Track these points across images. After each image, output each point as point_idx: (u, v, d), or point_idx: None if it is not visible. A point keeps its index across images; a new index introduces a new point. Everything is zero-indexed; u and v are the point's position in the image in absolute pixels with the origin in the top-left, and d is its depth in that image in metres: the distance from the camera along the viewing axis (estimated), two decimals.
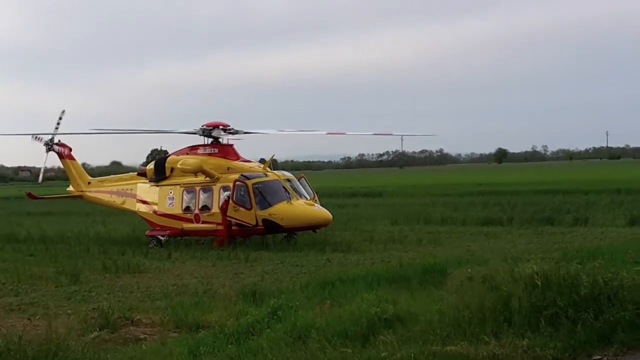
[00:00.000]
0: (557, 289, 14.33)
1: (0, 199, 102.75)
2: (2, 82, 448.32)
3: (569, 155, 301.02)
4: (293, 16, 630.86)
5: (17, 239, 42.68)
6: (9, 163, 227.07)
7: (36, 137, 44.54)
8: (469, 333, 13.94)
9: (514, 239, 35.17)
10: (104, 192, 43.98)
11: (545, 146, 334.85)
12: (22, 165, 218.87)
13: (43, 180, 50.11)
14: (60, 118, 44.27)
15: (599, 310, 13.86)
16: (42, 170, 48.34)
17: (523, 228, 39.90)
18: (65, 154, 44.98)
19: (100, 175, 49.80)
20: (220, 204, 36.66)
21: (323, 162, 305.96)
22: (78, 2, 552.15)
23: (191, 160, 38.37)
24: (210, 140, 39.86)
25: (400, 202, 66.53)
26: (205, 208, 37.80)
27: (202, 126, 39.79)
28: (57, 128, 44.30)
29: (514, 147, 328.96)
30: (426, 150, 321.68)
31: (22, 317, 20.48)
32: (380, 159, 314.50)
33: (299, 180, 38.28)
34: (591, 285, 14.19)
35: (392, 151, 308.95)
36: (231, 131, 39.95)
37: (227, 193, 36.50)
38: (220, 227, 37.05)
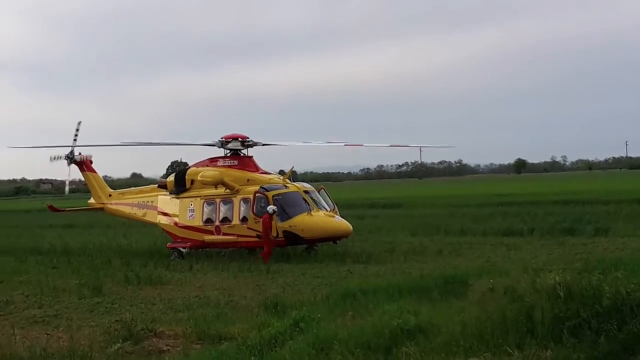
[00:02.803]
0: (580, 299, 14.30)
1: (22, 212, 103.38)
2: (20, 96, 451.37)
3: (588, 166, 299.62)
4: (307, 28, 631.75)
5: (39, 252, 42.94)
6: (31, 176, 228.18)
7: (54, 158, 44.88)
8: (492, 344, 13.94)
9: (535, 249, 35.02)
10: (125, 204, 44.15)
11: (565, 156, 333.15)
12: (44, 177, 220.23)
13: (69, 192, 50.24)
14: (77, 130, 44.53)
15: (622, 321, 13.83)
16: (67, 182, 48.55)
17: (544, 239, 39.73)
18: (86, 166, 45.23)
19: (121, 187, 49.99)
20: (262, 218, 35.90)
21: (342, 173, 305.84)
22: (94, 17, 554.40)
23: (211, 172, 38.43)
24: (229, 152, 39.96)
25: (419, 213, 66.38)
26: (225, 220, 37.84)
27: (222, 138, 39.89)
28: (75, 140, 44.55)
29: (533, 158, 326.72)
30: (445, 161, 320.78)
31: (46, 329, 20.64)
32: (399, 170, 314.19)
33: (318, 192, 38.30)
34: (614, 296, 14.16)
35: (411, 162, 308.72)
36: (250, 143, 40.03)
37: (271, 207, 35.88)
38: (241, 239, 37.16)
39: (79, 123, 44.74)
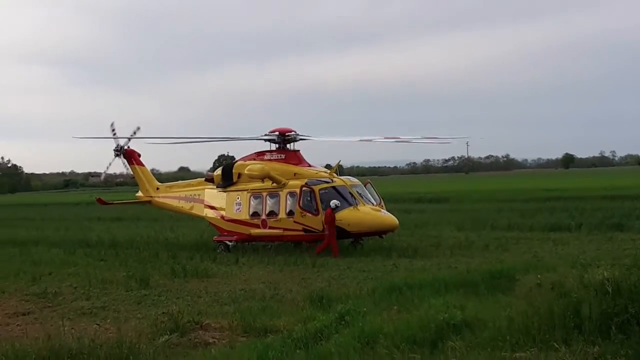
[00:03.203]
0: (628, 295, 14.17)
1: (71, 205, 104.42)
2: (73, 90, 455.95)
3: (637, 161, 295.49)
4: (353, 21, 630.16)
5: (88, 244, 43.40)
6: (80, 169, 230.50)
7: (93, 175, 45.65)
8: (539, 340, 13.85)
9: (582, 245, 34.71)
10: (172, 197, 44.45)
11: (614, 151, 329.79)
12: (93, 171, 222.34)
13: (105, 180, 50.77)
14: (113, 130, 44.78)
15: None
16: (103, 173, 48.99)
17: (592, 234, 39.37)
18: (134, 160, 45.57)
19: (168, 180, 50.33)
20: (324, 212, 35.83)
21: (389, 167, 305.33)
22: (146, 15, 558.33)
23: (258, 166, 38.51)
24: (277, 146, 40.04)
25: (466, 208, 66.13)
26: (272, 214, 37.93)
27: (269, 132, 39.96)
28: (129, 139, 44.71)
29: (581, 153, 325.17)
30: (492, 156, 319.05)
31: (94, 321, 20.84)
32: (445, 164, 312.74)
33: (365, 186, 38.27)
34: None
35: (458, 157, 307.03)
36: (297, 137, 40.07)
37: (334, 201, 35.79)
38: (287, 233, 37.28)
39: (113, 124, 45.02)
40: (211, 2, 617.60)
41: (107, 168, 47.36)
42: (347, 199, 36.38)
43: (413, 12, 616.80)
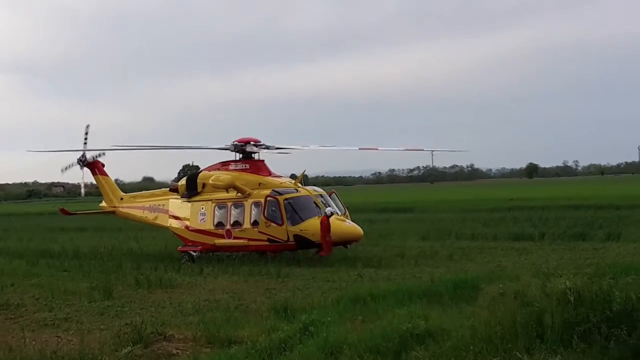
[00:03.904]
0: (590, 304, 14.26)
1: (34, 215, 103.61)
2: (33, 99, 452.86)
3: (600, 170, 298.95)
4: (322, 33, 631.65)
5: (51, 255, 43.09)
6: (43, 179, 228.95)
7: (65, 169, 45.17)
8: (502, 349, 13.91)
9: (545, 254, 34.96)
10: (136, 207, 44.24)
11: (577, 161, 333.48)
12: (56, 181, 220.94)
13: (84, 195, 50.28)
14: (87, 133, 44.57)
15: (632, 327, 13.79)
16: (82, 185, 48.59)
17: (555, 243, 39.68)
18: (98, 170, 45.31)
19: (132, 190, 50.04)
20: (321, 220, 35.70)
21: (354, 177, 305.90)
22: (108, 17, 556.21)
23: (223, 176, 38.47)
24: (241, 156, 39.98)
25: (431, 218, 66.35)
26: (236, 224, 37.85)
27: (234, 142, 39.87)
28: (85, 144, 44.61)
29: (544, 162, 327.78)
30: (457, 166, 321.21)
31: (56, 333, 20.68)
32: (410, 174, 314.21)
33: (330, 196, 38.27)
34: (624, 301, 14.12)
35: (423, 166, 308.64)
36: (262, 147, 40.03)
37: (330, 209, 36.15)
38: (252, 243, 37.22)
39: (88, 126, 44.85)
40: (180, 9, 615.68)
41: (82, 179, 47.15)
42: (312, 209, 36.39)
43: (386, 22, 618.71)
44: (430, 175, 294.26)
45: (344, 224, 36.32)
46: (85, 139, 44.59)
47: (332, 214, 35.69)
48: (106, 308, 24.57)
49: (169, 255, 40.68)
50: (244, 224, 37.58)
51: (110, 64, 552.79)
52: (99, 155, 44.49)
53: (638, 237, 40.68)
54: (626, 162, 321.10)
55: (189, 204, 40.07)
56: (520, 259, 33.56)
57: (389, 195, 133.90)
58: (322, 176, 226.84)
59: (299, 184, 38.25)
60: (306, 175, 42.70)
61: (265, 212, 36.62)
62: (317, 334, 16.69)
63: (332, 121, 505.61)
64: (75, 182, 48.47)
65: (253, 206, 37.41)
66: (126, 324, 20.32)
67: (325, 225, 35.33)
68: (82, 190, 48.94)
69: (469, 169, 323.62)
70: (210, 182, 38.74)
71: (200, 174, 40.70)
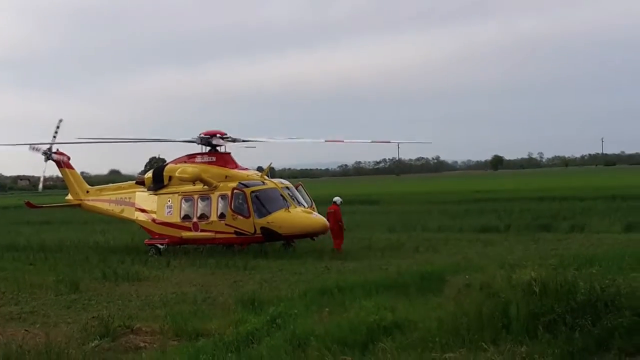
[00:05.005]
0: (555, 295, 14.42)
1: None
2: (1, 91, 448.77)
3: (564, 162, 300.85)
4: (291, 24, 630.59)
5: (16, 248, 42.76)
6: (8, 172, 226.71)
7: (34, 148, 44.68)
8: (468, 340, 14.04)
9: (510, 245, 35.20)
10: (102, 200, 44.01)
11: (541, 153, 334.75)
12: (21, 174, 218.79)
13: (43, 189, 50.04)
14: (58, 127, 44.43)
15: (597, 317, 13.96)
16: (41, 179, 48.34)
17: (520, 235, 39.98)
18: (63, 163, 45.03)
19: (98, 183, 49.76)
20: (331, 209, 37.38)
21: (320, 170, 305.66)
22: (75, 11, 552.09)
23: (189, 169, 38.40)
24: (208, 148, 39.90)
25: (397, 210, 66.58)
26: (203, 216, 37.82)
27: (200, 134, 39.80)
28: (54, 137, 44.45)
29: (509, 154, 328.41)
30: (423, 158, 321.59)
31: (22, 326, 20.54)
32: (377, 166, 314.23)
33: (296, 188, 38.33)
34: (588, 292, 14.30)
35: (389, 159, 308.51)
36: (229, 139, 39.98)
37: (338, 198, 38.74)
38: (219, 236, 37.22)
39: (60, 120, 44.68)
40: (148, 3, 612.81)
41: (44, 173, 46.95)
42: (279, 201, 36.44)
43: (353, 16, 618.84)
44: (397, 168, 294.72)
45: (311, 216, 36.42)
46: (56, 132, 44.42)
47: (341, 202, 37.87)
48: (73, 301, 24.45)
49: (136, 248, 40.55)
50: (210, 217, 37.55)
51: (78, 57, 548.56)
52: (55, 133, 44.21)
53: (601, 228, 41.14)
54: (590, 154, 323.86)
55: (156, 196, 39.94)
56: (486, 250, 33.76)
57: (355, 187, 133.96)
58: (289, 169, 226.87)
59: (266, 177, 38.25)
60: (273, 168, 42.75)
61: (232, 205, 36.60)
62: (285, 326, 16.74)
63: (298, 114, 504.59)
64: (42, 175, 48.04)
65: (220, 199, 37.38)
66: (93, 317, 20.25)
67: (337, 215, 37.02)
68: (41, 185, 48.72)
69: (435, 161, 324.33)
70: (176, 174, 38.64)
71: (167, 166, 40.57)
